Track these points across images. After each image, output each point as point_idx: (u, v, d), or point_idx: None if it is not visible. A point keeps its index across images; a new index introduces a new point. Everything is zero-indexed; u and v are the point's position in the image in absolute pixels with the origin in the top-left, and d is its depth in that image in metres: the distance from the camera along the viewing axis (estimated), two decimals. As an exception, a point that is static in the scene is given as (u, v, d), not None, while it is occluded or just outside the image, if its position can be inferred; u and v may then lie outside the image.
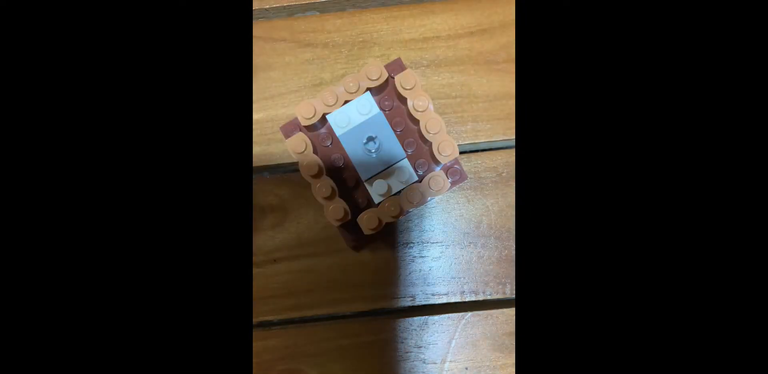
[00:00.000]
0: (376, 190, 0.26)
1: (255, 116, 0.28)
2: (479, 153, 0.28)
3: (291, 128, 0.26)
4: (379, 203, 0.26)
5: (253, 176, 0.28)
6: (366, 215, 0.25)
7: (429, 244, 0.28)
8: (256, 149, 0.28)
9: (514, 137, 0.28)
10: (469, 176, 0.28)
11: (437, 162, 0.26)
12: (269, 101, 0.28)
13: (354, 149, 0.26)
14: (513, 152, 0.28)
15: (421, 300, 0.27)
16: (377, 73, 0.25)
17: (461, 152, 0.28)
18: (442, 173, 0.25)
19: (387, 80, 0.26)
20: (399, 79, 0.25)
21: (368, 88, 0.26)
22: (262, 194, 0.28)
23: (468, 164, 0.28)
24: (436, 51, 0.28)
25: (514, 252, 0.27)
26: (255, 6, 0.28)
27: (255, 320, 0.28)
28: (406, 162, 0.26)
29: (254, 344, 0.27)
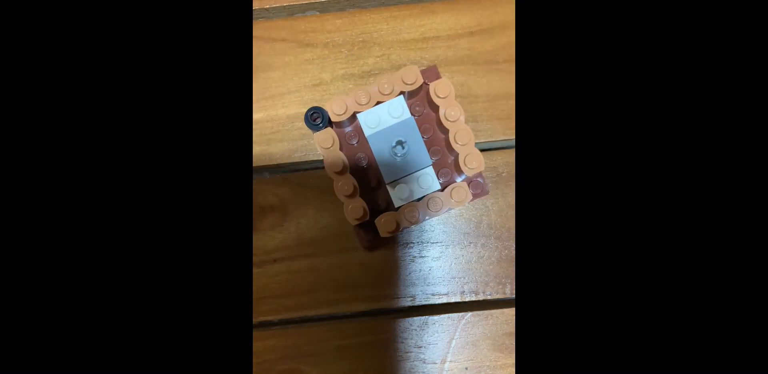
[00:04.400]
0: (398, 194, 0.26)
1: (255, 116, 0.28)
2: (479, 153, 0.28)
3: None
4: (399, 207, 0.26)
5: (253, 176, 0.28)
6: (385, 217, 0.25)
7: (429, 244, 0.28)
8: (256, 149, 0.28)
9: (514, 137, 0.28)
10: (469, 176, 0.28)
11: (461, 173, 0.26)
12: (269, 101, 0.28)
13: (380, 151, 0.26)
14: (513, 152, 0.28)
15: (421, 300, 0.27)
16: (413, 77, 0.25)
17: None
18: (465, 185, 0.25)
19: (421, 86, 0.26)
20: (434, 87, 0.25)
21: (402, 92, 0.26)
22: (262, 194, 0.28)
23: (468, 164, 0.28)
24: (436, 51, 0.28)
25: (514, 252, 0.27)
26: (255, 6, 0.28)
27: (255, 320, 0.28)
28: (430, 169, 0.26)
29: (254, 344, 0.27)
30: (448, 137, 0.25)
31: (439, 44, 0.28)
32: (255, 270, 0.27)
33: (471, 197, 0.26)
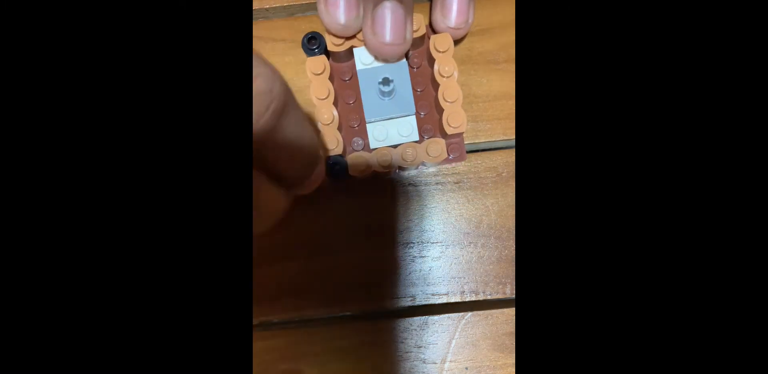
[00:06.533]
0: (375, 135, 0.26)
1: (255, 116, 0.28)
2: (479, 153, 0.28)
3: None
4: (374, 149, 0.26)
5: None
6: (356, 154, 0.25)
7: (429, 244, 0.28)
8: (256, 149, 0.28)
9: (514, 137, 0.28)
10: (469, 176, 0.28)
11: (444, 134, 0.26)
12: (269, 101, 0.28)
13: (367, 88, 0.26)
14: (513, 152, 0.28)
15: (421, 300, 0.27)
16: (417, 24, 0.25)
17: (461, 152, 0.28)
18: (443, 142, 0.25)
19: (423, 38, 0.26)
20: (434, 40, 0.25)
21: None
22: (262, 194, 0.28)
23: (468, 164, 0.28)
24: (436, 51, 0.28)
25: (514, 252, 0.27)
26: (255, 6, 0.28)
27: (255, 320, 0.28)
28: (413, 119, 0.26)
29: (254, 344, 0.27)
30: (438, 94, 0.25)
31: (439, 44, 0.28)
32: (255, 270, 0.27)
33: (447, 156, 0.25)
